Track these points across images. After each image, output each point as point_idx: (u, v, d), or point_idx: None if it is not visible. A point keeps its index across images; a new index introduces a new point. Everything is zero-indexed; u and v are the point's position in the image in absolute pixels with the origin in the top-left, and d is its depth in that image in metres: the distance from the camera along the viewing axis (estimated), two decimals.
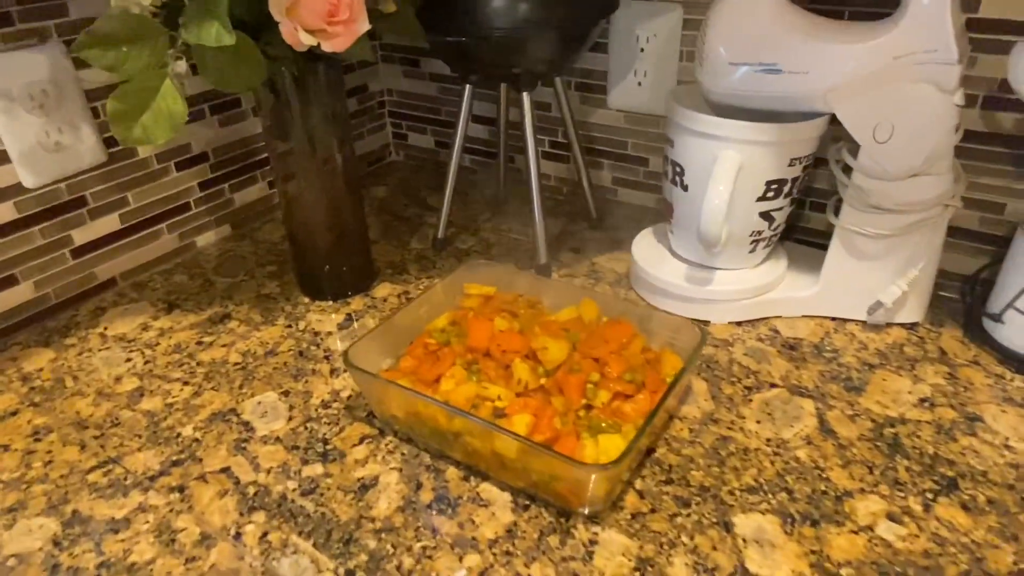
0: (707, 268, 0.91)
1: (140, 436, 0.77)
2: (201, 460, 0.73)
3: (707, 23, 0.76)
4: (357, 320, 0.95)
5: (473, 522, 0.66)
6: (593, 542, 0.63)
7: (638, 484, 0.69)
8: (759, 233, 0.87)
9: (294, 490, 0.70)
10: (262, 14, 0.64)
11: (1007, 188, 0.86)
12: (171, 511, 0.68)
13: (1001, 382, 0.77)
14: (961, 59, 0.69)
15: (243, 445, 0.75)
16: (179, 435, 0.77)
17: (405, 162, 1.33)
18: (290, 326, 0.94)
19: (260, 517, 0.67)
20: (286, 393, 0.82)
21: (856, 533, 0.65)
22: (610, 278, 1.03)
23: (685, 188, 0.86)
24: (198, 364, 0.87)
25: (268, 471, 0.72)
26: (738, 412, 0.77)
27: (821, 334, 0.86)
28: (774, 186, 0.83)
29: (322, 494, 0.69)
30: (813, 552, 0.62)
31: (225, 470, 0.72)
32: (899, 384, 0.79)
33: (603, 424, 0.72)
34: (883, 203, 0.78)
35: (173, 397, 0.82)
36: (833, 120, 0.84)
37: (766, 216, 0.86)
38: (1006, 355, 0.79)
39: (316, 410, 0.80)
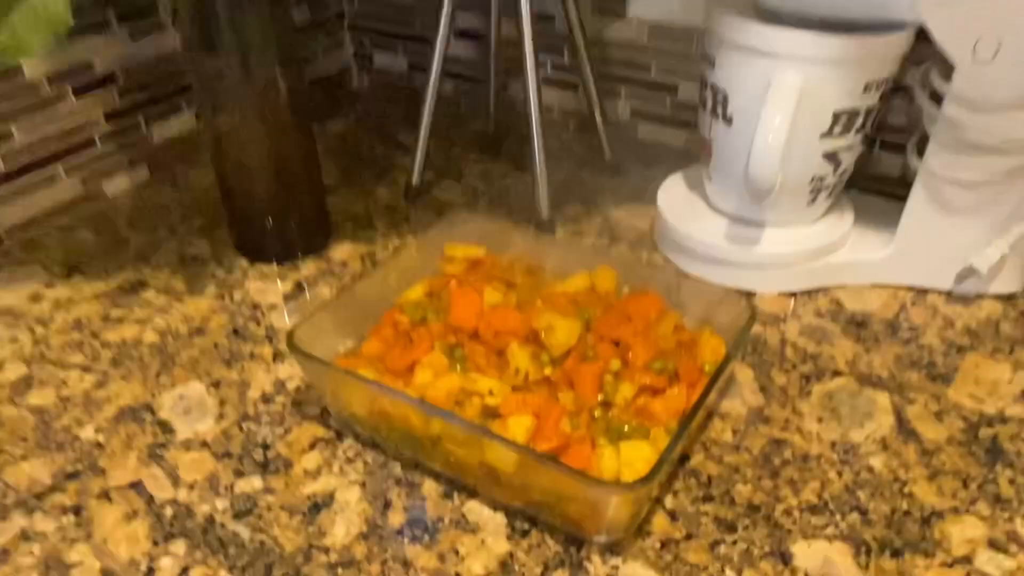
0: (754, 224, 0.87)
1: (25, 440, 0.71)
2: (104, 472, 0.68)
3: None
4: (308, 289, 0.93)
5: (457, 553, 0.61)
6: None
7: (669, 502, 0.64)
8: (821, 179, 0.82)
9: (224, 511, 0.65)
10: None
11: None
12: (63, 539, 0.63)
13: None
14: None
15: (159, 452, 0.70)
16: (76, 439, 0.72)
17: (370, 89, 1.29)
18: (222, 297, 0.91)
19: (180, 547, 0.63)
20: (216, 384, 0.78)
21: (950, 566, 0.59)
22: (630, 237, 1.02)
23: (728, 121, 0.81)
24: (103, 346, 0.82)
25: (191, 486, 0.67)
26: (794, 408, 0.72)
27: (896, 308, 0.82)
28: (843, 118, 0.77)
29: (261, 516, 0.65)
30: None
31: (135, 485, 0.67)
32: (996, 372, 0.73)
33: (626, 427, 0.68)
34: (982, 140, 0.71)
35: (69, 389, 0.77)
36: (921, 35, 0.75)
37: (831, 157, 0.80)
38: None
39: (255, 406, 0.76)
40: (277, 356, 0.84)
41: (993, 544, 0.61)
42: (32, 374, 0.80)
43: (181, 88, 1.06)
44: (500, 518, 0.65)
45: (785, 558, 0.60)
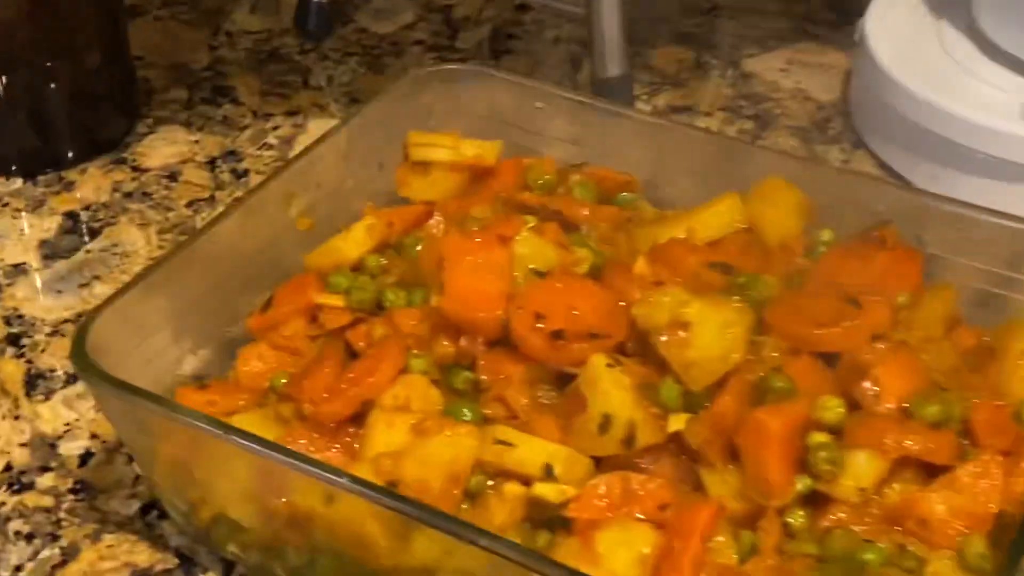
0: None
1: None
2: None
3: None
4: (98, 234, 1.03)
5: None
6: None
7: None
8: None
9: None
10: None
11: None
12: None
13: None
14: None
15: None
16: None
17: None
18: None
19: None
20: None
21: None
22: (796, 117, 1.12)
23: None
24: None
25: None
26: None
27: None
28: None
29: None
30: None
31: None
32: None
33: (869, 556, 0.65)
34: None
35: None
36: None
37: None
38: None
39: None
40: (35, 384, 0.87)
41: None
42: None
43: None
44: None
45: None
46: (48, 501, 0.80)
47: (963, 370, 0.74)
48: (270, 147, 1.11)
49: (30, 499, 0.80)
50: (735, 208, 0.83)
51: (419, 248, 0.79)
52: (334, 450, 0.70)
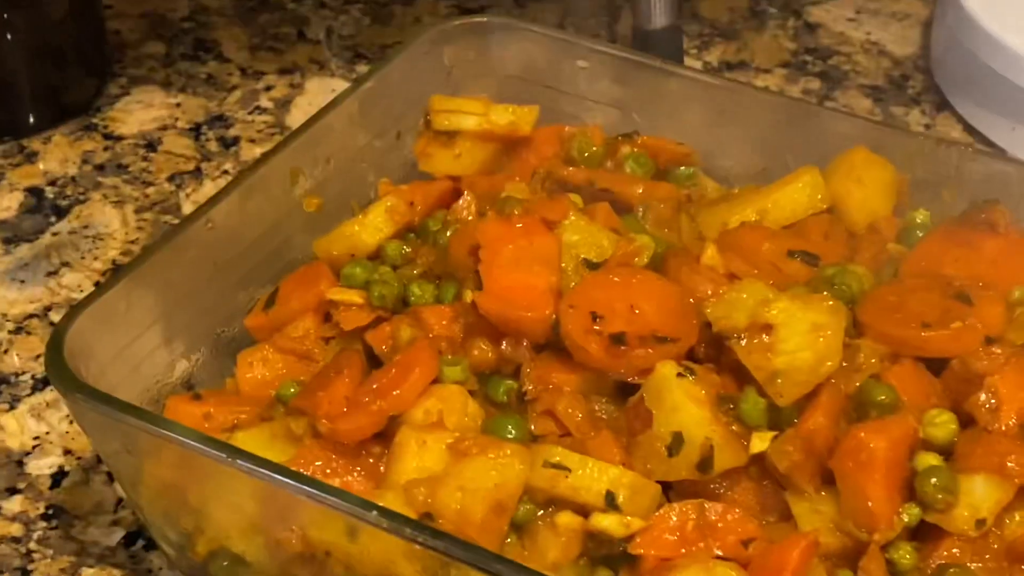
0: None
1: None
2: None
3: None
4: (66, 214, 1.02)
5: None
6: None
7: None
8: None
9: None
10: None
11: None
12: None
13: None
14: None
15: None
16: None
17: None
18: None
19: None
20: None
21: None
22: (869, 70, 1.14)
23: None
24: None
25: None
26: None
27: None
28: None
29: None
30: None
31: None
32: None
33: None
34: None
35: None
36: None
37: None
38: None
39: None
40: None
41: None
42: None
43: None
44: None
45: None
46: (16, 529, 0.79)
47: None
48: (263, 111, 1.10)
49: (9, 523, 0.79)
50: (815, 185, 0.81)
51: (449, 234, 0.77)
52: (356, 475, 0.68)
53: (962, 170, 0.84)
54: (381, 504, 0.63)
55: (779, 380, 0.66)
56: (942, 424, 0.66)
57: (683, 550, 0.64)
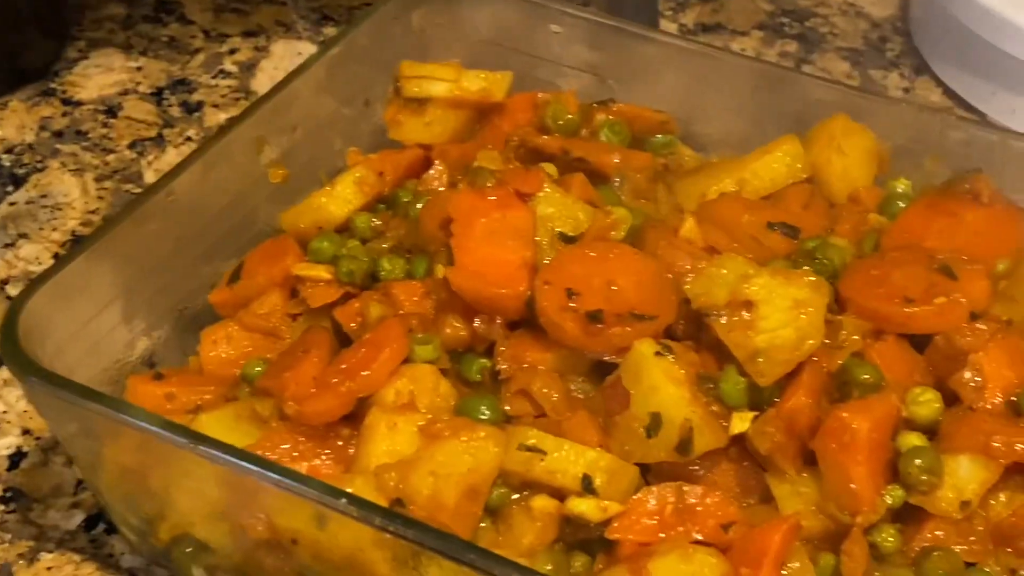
0: None
1: None
2: None
3: None
4: (14, 174, 0.99)
5: None
6: None
7: None
8: None
9: None
10: None
11: None
12: None
13: None
14: None
15: None
16: None
17: None
18: None
19: None
20: None
21: None
22: (848, 32, 1.15)
23: None
24: None
25: None
26: None
27: None
28: None
29: None
30: None
31: None
32: None
33: None
34: None
35: None
36: None
37: None
38: None
39: None
40: None
41: None
42: None
43: None
44: None
45: None
46: None
47: None
48: (227, 75, 1.08)
49: None
50: (795, 155, 0.81)
51: (420, 206, 0.76)
52: (324, 458, 0.67)
53: (944, 138, 0.83)
54: (350, 490, 0.62)
55: (760, 359, 0.65)
56: (926, 403, 0.66)
57: (662, 535, 0.63)
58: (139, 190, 0.96)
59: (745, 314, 0.66)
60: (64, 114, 1.04)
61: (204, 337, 0.75)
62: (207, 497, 0.67)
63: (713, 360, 0.68)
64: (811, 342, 0.66)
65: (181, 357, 0.77)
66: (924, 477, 0.63)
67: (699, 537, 0.63)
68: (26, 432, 0.81)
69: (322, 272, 0.74)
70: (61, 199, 0.97)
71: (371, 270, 0.75)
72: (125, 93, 1.06)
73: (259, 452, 0.66)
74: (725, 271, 0.68)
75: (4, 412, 0.83)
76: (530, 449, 0.65)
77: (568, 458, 0.65)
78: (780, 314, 0.66)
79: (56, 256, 0.91)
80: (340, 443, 0.68)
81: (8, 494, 0.78)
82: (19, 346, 0.66)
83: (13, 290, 0.90)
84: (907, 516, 0.65)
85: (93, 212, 0.94)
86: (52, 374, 0.66)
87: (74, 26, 1.12)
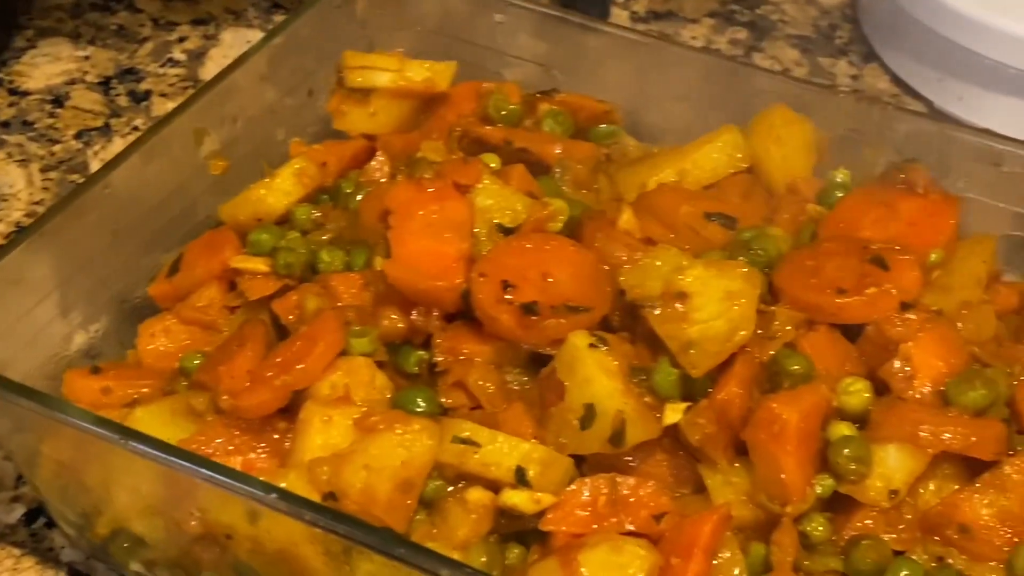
0: None
1: None
2: None
3: None
4: None
5: None
6: None
7: None
8: None
9: None
10: None
11: None
12: None
13: None
14: None
15: None
16: None
17: None
18: None
19: None
20: None
21: None
22: (797, 19, 1.16)
23: None
24: None
25: None
26: None
27: None
28: None
29: None
30: None
31: None
32: None
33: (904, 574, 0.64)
34: None
35: None
36: None
37: None
38: None
39: None
40: None
41: None
42: None
43: None
44: None
45: None
46: None
47: (1005, 339, 0.73)
48: (176, 63, 1.07)
49: None
50: (735, 144, 0.81)
51: (360, 198, 0.76)
52: (259, 452, 0.67)
53: (884, 128, 0.83)
54: (283, 484, 0.62)
55: (692, 350, 0.65)
56: (856, 392, 0.66)
57: (595, 526, 0.64)
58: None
59: (678, 306, 0.66)
60: (10, 104, 1.03)
61: (142, 330, 0.75)
62: (142, 493, 0.67)
63: (647, 350, 0.68)
64: (743, 333, 0.66)
65: (120, 350, 0.76)
66: (853, 467, 0.64)
67: (632, 528, 0.64)
68: None
69: (260, 264, 0.74)
70: (6, 190, 0.96)
71: (310, 262, 0.74)
72: (72, 82, 1.06)
73: (194, 446, 0.65)
74: (659, 263, 0.68)
75: None
76: (464, 441, 0.65)
77: (502, 450, 0.65)
78: (713, 305, 0.66)
79: None
80: (276, 437, 0.68)
81: None
82: None
83: None
84: (837, 505, 0.66)
85: (38, 203, 0.94)
86: None
87: (22, 15, 1.11)
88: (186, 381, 0.71)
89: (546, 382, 0.68)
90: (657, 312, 0.66)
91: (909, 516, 0.65)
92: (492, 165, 0.77)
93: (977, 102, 1.01)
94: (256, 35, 1.10)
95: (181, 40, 1.09)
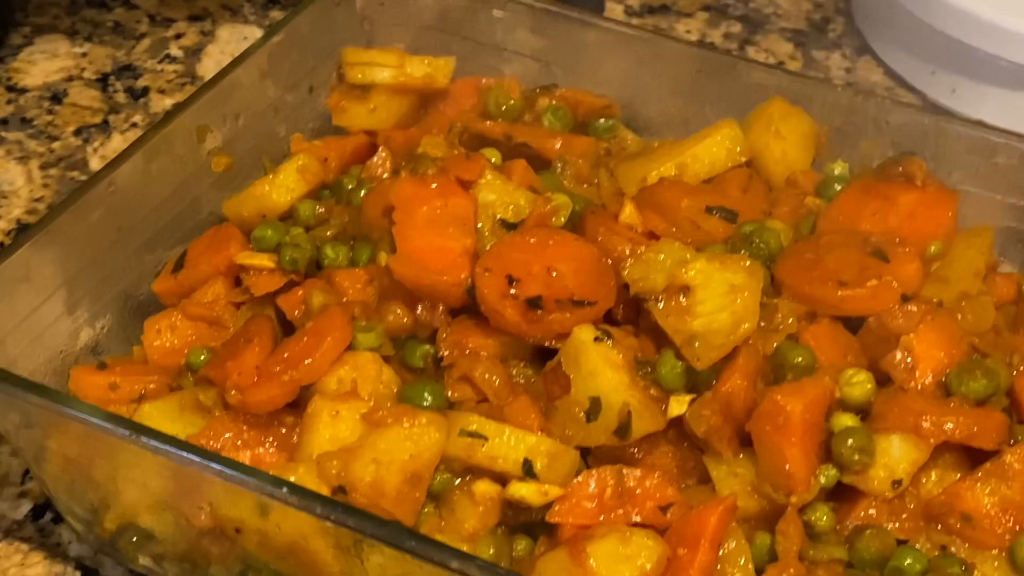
0: None
1: None
2: None
3: None
4: None
5: None
6: None
7: None
8: None
9: None
10: None
11: None
12: None
13: None
14: None
15: None
16: None
17: None
18: None
19: None
20: None
21: None
22: (791, 12, 1.17)
23: None
24: None
25: None
26: None
27: None
28: None
29: None
30: None
31: None
32: None
33: (908, 562, 0.64)
34: None
35: None
36: None
37: None
38: None
39: None
40: None
41: None
42: None
43: None
44: None
45: None
46: None
47: (1003, 329, 0.73)
48: (173, 60, 1.07)
49: None
50: (734, 138, 0.81)
51: (363, 194, 0.76)
52: (267, 446, 0.67)
53: (880, 121, 0.83)
54: (292, 479, 0.62)
55: (696, 343, 0.65)
56: (859, 384, 0.66)
57: (601, 517, 0.63)
58: (85, 177, 0.95)
59: (682, 299, 0.66)
60: (8, 101, 1.03)
61: (148, 326, 0.75)
62: (150, 487, 0.67)
63: (652, 344, 0.68)
64: (746, 326, 0.66)
65: (126, 346, 0.76)
66: (857, 457, 0.64)
67: (638, 519, 0.64)
68: None
69: (265, 260, 0.74)
70: (6, 187, 0.96)
71: (314, 258, 0.74)
72: (70, 79, 1.05)
73: (202, 441, 0.65)
74: (663, 256, 0.68)
75: None
76: (471, 435, 0.65)
77: (509, 443, 0.65)
78: (716, 299, 0.66)
79: (0, 245, 0.89)
80: (284, 431, 0.68)
81: None
82: None
83: None
84: (840, 495, 0.66)
85: (38, 200, 0.93)
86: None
87: (18, 12, 1.10)
88: (192, 376, 0.70)
89: (551, 375, 0.68)
90: (661, 305, 0.66)
91: (912, 505, 0.65)
92: (493, 160, 0.76)
93: (970, 94, 1.01)
94: (252, 31, 1.09)
95: (178, 36, 1.09)
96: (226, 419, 0.67)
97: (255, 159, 0.82)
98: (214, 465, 0.61)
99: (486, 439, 0.65)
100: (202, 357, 0.70)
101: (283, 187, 0.78)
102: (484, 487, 0.65)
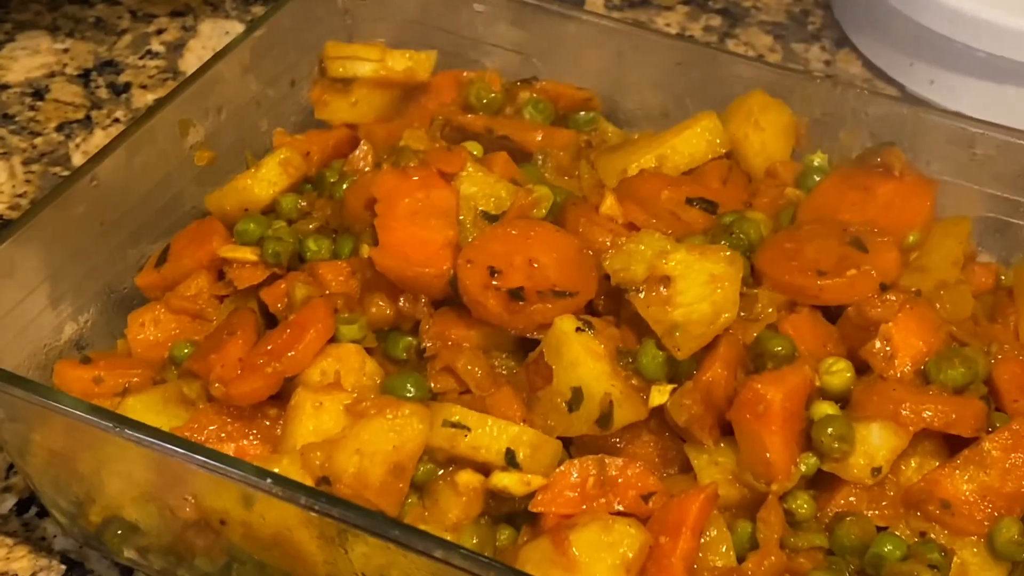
0: None
1: None
2: None
3: None
4: None
5: None
6: None
7: None
8: None
9: None
10: None
11: None
12: None
13: None
14: None
15: None
16: None
17: None
18: None
19: None
20: None
21: None
22: (770, 5, 1.17)
23: None
24: None
25: None
26: None
27: None
28: None
29: None
30: None
31: None
32: None
33: (887, 547, 0.64)
34: None
35: None
36: None
37: None
38: None
39: None
40: None
41: None
42: None
43: None
44: None
45: None
46: None
47: (981, 318, 0.73)
48: (154, 55, 1.07)
49: None
50: (713, 130, 0.81)
51: (345, 187, 0.76)
52: (251, 438, 0.67)
53: (859, 112, 0.83)
54: (276, 470, 0.62)
55: (677, 333, 0.65)
56: (838, 372, 0.66)
57: (584, 506, 0.63)
58: (67, 173, 0.95)
59: (663, 289, 0.66)
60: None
61: (131, 320, 0.74)
62: (135, 480, 0.66)
63: (633, 334, 0.68)
64: (727, 315, 0.66)
65: (110, 340, 0.76)
66: (836, 445, 0.64)
67: (620, 508, 0.63)
68: None
69: (248, 254, 0.74)
70: None
71: (297, 251, 0.74)
72: (52, 75, 1.05)
73: (187, 434, 0.65)
74: (643, 247, 0.68)
75: None
76: (454, 425, 0.65)
77: (491, 433, 0.65)
78: (696, 289, 0.66)
79: None
80: (267, 423, 0.67)
81: None
82: None
83: None
84: (820, 483, 0.66)
85: (21, 196, 0.93)
86: None
87: (0, 9, 1.10)
88: (176, 370, 0.70)
89: (533, 366, 0.68)
90: (642, 296, 0.66)
91: (892, 493, 0.65)
92: (475, 153, 0.76)
93: (948, 85, 1.01)
94: (234, 26, 1.09)
95: (159, 32, 1.08)
96: (210, 411, 0.67)
97: (237, 153, 0.82)
98: (198, 457, 0.61)
99: (469, 430, 0.65)
100: (186, 350, 0.70)
101: (265, 181, 0.78)
102: (467, 477, 0.65)
